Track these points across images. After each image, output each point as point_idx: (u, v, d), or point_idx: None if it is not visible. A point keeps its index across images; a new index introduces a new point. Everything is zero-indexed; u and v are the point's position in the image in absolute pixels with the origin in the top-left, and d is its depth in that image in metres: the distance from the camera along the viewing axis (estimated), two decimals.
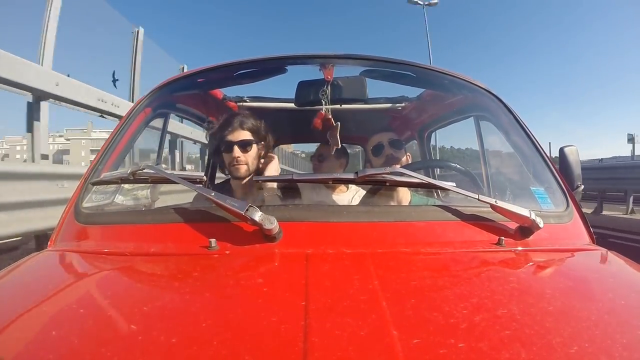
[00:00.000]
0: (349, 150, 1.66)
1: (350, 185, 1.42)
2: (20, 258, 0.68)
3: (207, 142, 1.28)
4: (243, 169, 1.03)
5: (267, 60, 1.07)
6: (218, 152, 1.09)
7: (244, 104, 1.69)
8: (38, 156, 3.05)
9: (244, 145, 1.03)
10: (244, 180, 1.05)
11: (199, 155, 5.70)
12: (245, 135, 1.05)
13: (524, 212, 0.64)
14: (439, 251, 0.62)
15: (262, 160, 1.09)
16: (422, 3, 14.60)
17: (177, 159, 5.56)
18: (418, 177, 0.67)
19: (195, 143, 5.62)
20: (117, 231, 0.71)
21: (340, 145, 1.19)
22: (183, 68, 6.13)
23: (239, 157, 1.02)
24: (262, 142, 1.09)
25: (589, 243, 0.76)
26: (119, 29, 4.77)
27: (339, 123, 1.17)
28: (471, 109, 1.27)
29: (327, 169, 1.47)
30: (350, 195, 1.54)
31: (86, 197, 0.83)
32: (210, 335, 0.37)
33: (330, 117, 1.16)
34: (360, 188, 1.50)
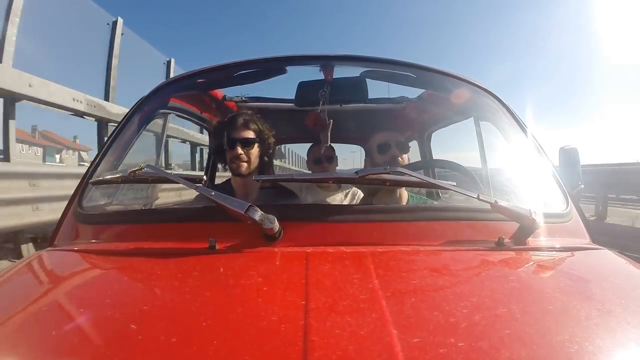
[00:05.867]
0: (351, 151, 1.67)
1: (341, 184, 1.43)
2: None
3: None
4: (244, 166, 1.06)
5: (267, 61, 1.08)
6: (220, 149, 1.10)
7: (244, 104, 1.70)
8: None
9: (247, 144, 1.06)
10: (245, 179, 1.07)
11: None
12: (249, 134, 1.08)
13: (524, 211, 0.64)
14: (438, 250, 0.62)
15: (266, 160, 1.11)
16: None
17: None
18: (418, 177, 0.67)
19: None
20: (118, 231, 0.71)
21: (329, 143, 1.19)
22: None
23: (241, 154, 1.05)
24: (265, 142, 1.11)
25: (589, 242, 0.76)
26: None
27: (332, 121, 1.17)
28: (471, 109, 1.27)
29: (321, 171, 1.49)
30: (342, 194, 1.55)
31: (86, 196, 0.83)
32: (210, 335, 0.37)
33: (324, 115, 1.17)
34: (353, 187, 1.51)
